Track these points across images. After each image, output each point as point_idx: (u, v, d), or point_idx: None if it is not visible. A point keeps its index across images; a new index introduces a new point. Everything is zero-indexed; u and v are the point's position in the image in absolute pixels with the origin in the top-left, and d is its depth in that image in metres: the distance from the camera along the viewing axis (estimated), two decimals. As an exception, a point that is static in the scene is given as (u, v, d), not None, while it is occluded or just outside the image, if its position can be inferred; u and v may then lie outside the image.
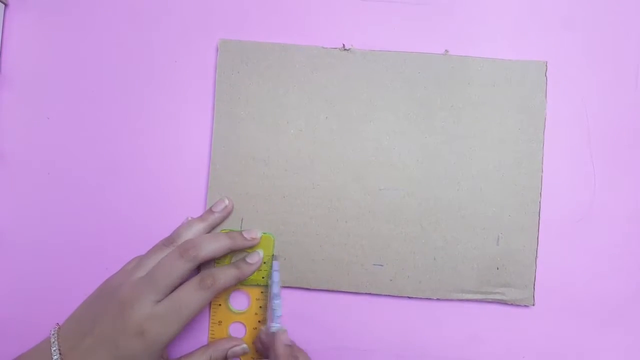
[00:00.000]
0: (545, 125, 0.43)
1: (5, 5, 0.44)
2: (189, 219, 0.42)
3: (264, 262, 0.42)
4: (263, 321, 0.43)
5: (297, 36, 0.44)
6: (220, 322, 0.43)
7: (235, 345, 0.41)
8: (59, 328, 0.38)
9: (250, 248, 0.42)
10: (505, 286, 0.42)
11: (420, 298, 0.43)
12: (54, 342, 0.36)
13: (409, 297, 0.43)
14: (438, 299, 0.43)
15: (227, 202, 0.42)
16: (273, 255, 0.42)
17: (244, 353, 0.42)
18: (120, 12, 0.44)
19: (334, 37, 0.44)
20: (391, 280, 0.42)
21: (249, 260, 0.41)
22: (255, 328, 0.43)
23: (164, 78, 0.44)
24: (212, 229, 0.42)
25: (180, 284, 0.38)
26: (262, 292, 0.43)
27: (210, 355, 0.40)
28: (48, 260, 0.44)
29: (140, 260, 0.39)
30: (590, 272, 0.43)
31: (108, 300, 0.37)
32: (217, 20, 0.44)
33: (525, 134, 0.43)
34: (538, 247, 0.42)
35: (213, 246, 0.39)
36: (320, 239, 0.43)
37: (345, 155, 0.43)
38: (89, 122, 0.44)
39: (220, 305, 0.43)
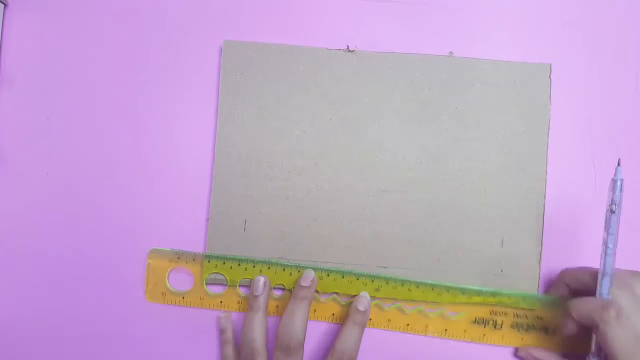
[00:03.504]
0: (549, 127, 0.43)
1: (5, 5, 0.43)
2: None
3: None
4: None
5: (301, 37, 0.44)
6: None
7: None
8: None
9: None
10: (510, 288, 0.42)
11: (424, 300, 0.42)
12: None
13: (412, 299, 0.42)
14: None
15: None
16: None
17: None
18: (121, 12, 0.44)
19: (338, 38, 0.43)
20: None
21: (360, 308, 0.40)
22: None
23: (167, 79, 0.44)
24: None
25: None
26: None
27: None
28: (47, 260, 0.43)
29: None
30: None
31: None
32: (220, 21, 0.44)
33: (530, 136, 0.43)
34: (542, 249, 0.42)
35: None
36: (324, 240, 0.42)
37: (349, 157, 0.43)
38: (90, 122, 0.44)
39: None
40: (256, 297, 0.40)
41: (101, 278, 0.43)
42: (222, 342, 0.42)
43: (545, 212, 0.42)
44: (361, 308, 0.40)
